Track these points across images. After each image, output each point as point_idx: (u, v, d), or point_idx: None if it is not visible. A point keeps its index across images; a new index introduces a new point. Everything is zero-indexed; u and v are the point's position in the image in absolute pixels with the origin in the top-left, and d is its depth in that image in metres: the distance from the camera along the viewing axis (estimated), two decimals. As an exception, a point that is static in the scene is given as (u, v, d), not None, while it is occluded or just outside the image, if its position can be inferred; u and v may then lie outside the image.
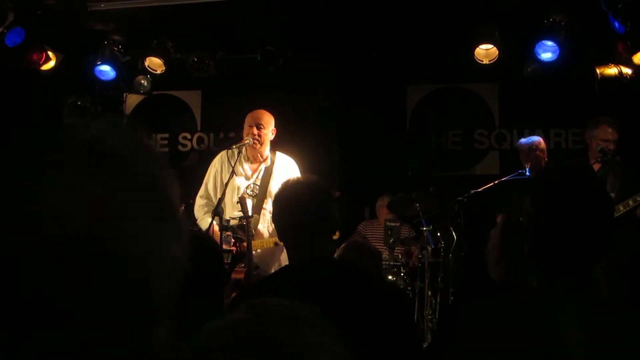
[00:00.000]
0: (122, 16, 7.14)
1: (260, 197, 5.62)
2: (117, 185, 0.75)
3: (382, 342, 2.38)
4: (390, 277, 6.50)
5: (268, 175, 5.71)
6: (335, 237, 5.62)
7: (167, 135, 9.54)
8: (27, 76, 7.68)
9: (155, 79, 8.23)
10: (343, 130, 8.64)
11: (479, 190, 6.62)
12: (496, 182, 6.63)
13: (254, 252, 5.40)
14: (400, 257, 6.86)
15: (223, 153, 5.88)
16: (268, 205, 5.60)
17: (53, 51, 7.59)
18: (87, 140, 0.78)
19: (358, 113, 8.60)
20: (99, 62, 7.81)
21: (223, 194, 5.39)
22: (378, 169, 8.40)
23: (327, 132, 8.54)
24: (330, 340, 0.92)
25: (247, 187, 5.64)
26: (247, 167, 5.74)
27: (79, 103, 8.42)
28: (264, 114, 5.75)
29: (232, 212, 5.45)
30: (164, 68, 7.95)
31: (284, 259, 5.59)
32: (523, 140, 6.90)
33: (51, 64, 7.62)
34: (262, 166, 5.75)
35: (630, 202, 5.59)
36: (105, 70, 7.88)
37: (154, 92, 8.65)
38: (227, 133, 9.02)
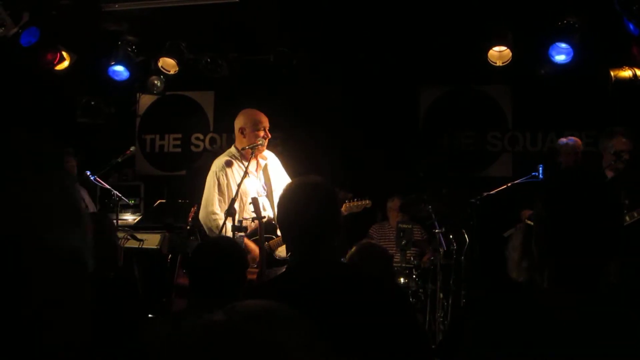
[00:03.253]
0: (135, 17, 7.16)
1: (270, 195, 5.56)
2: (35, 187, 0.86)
3: (381, 346, 2.37)
4: (402, 279, 6.50)
5: (267, 173, 5.67)
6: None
7: (179, 135, 9.58)
8: (41, 76, 7.72)
9: (168, 79, 8.26)
10: (356, 131, 8.63)
11: (492, 192, 6.61)
12: (509, 184, 6.61)
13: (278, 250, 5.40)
14: (412, 259, 6.85)
15: (219, 162, 5.64)
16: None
17: (67, 51, 7.63)
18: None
19: (371, 114, 8.60)
20: (112, 63, 7.85)
21: (236, 195, 5.32)
22: (391, 170, 8.39)
23: (340, 132, 8.54)
24: (305, 340, 0.95)
25: (261, 188, 5.61)
26: (252, 168, 5.59)
27: (92, 103, 8.47)
28: (264, 116, 5.66)
29: (246, 214, 5.40)
30: (177, 69, 7.97)
31: None
32: (567, 140, 6.69)
33: (65, 64, 7.66)
34: (262, 166, 5.67)
35: None
36: (119, 71, 7.92)
37: (167, 93, 8.69)
38: (240, 133, 9.04)
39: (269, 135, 5.55)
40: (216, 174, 5.57)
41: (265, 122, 5.57)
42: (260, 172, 5.65)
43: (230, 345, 0.91)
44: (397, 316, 2.49)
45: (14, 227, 0.81)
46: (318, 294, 2.37)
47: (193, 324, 0.95)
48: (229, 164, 5.56)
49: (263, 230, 5.22)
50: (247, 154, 5.49)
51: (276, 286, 2.69)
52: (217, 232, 5.42)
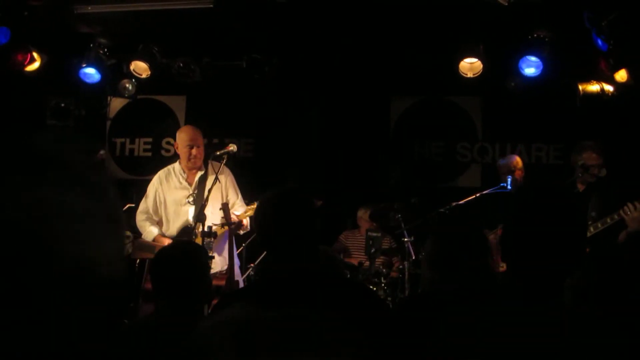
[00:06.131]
0: (108, 20, 7.10)
1: (198, 202, 5.90)
2: (64, 191, 0.81)
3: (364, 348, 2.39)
4: (370, 287, 6.51)
5: (203, 181, 6.04)
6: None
7: (150, 139, 9.52)
8: (11, 76, 7.63)
9: (140, 83, 8.20)
10: (327, 139, 8.66)
11: (461, 202, 6.67)
12: (478, 194, 6.67)
13: None
14: (381, 267, 6.87)
15: (161, 173, 6.20)
16: (209, 209, 5.75)
17: (38, 52, 7.56)
18: (41, 150, 0.84)
19: (342, 122, 8.63)
20: (84, 65, 7.77)
21: (206, 200, 5.49)
22: (361, 179, 8.42)
23: (311, 140, 8.55)
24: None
25: (187, 197, 6.00)
26: (184, 181, 6.09)
27: (62, 105, 8.38)
28: (198, 133, 6.11)
29: (176, 223, 5.90)
30: (149, 72, 7.92)
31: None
32: (502, 160, 7.01)
33: (35, 65, 7.59)
34: (197, 175, 6.09)
35: (608, 220, 5.66)
36: (90, 73, 7.84)
37: (139, 96, 8.62)
38: (211, 139, 9.01)
39: (194, 153, 6.02)
40: (153, 184, 6.18)
41: (193, 139, 6.05)
42: (196, 183, 6.07)
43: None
44: (382, 321, 2.53)
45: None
46: (297, 300, 2.38)
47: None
48: (166, 176, 6.14)
49: (233, 236, 5.34)
50: (184, 166, 6.08)
51: (256, 292, 2.71)
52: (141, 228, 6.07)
